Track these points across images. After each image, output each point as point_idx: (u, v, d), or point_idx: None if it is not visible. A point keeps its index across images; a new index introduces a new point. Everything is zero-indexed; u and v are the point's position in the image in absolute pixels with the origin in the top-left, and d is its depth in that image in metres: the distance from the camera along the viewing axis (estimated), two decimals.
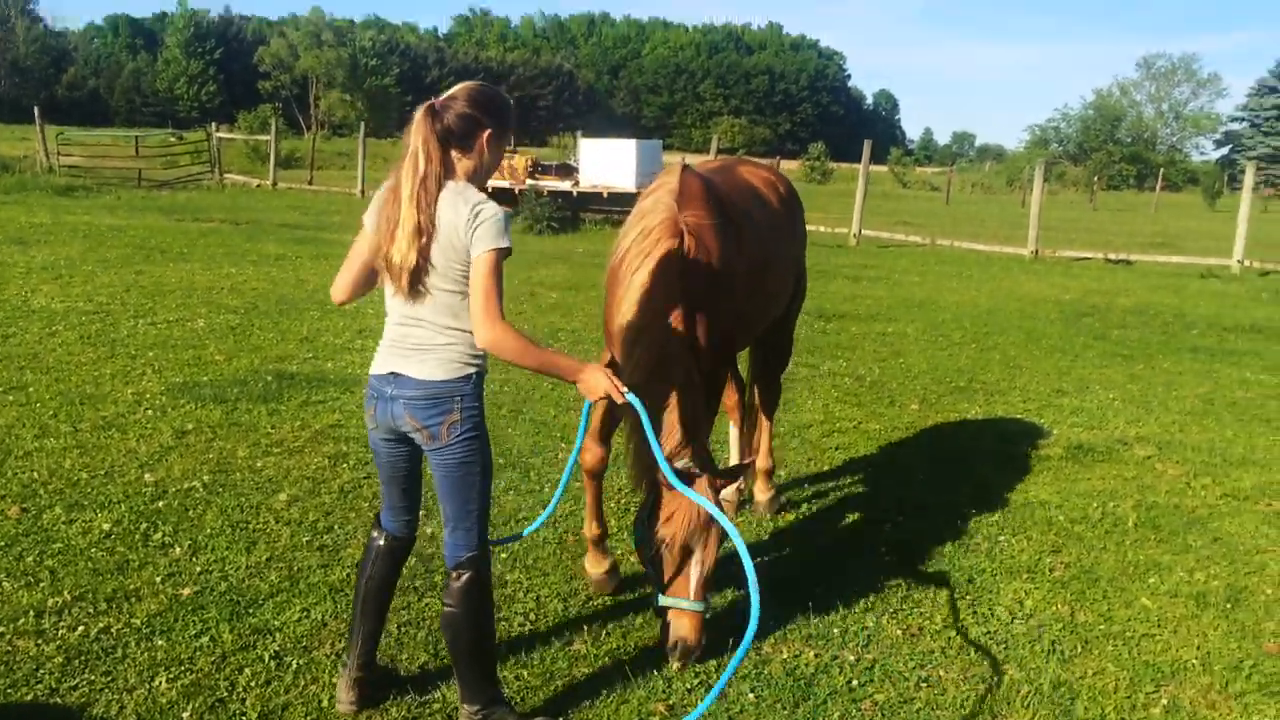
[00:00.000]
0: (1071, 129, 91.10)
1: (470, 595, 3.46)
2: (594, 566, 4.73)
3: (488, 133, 3.32)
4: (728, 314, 4.54)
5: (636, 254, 4.23)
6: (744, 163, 5.63)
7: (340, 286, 3.67)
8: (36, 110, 32.65)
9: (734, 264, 4.51)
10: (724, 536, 3.93)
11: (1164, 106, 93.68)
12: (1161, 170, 63.90)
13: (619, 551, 5.11)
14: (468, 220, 3.21)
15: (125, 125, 74.55)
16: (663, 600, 4.00)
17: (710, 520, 3.88)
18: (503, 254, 3.22)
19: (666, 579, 3.99)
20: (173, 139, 39.11)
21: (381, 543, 3.66)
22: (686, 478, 3.88)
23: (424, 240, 3.22)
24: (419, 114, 3.28)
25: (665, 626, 4.05)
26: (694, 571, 3.95)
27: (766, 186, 5.38)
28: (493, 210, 3.23)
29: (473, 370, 3.36)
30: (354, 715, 3.64)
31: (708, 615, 4.07)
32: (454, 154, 3.30)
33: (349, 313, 11.02)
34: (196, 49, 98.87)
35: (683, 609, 3.97)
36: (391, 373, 3.43)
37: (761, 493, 5.79)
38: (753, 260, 4.77)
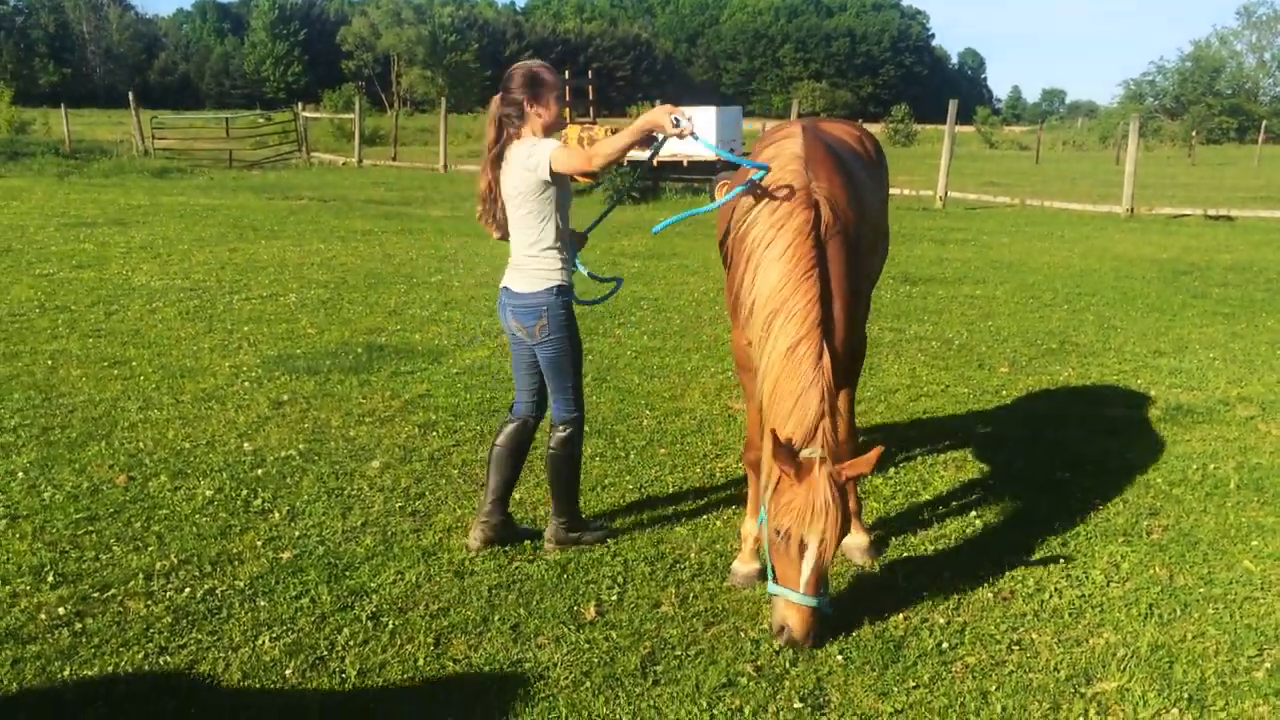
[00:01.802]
0: (1168, 82, 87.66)
1: (567, 444, 4.62)
2: (745, 564, 4.52)
3: (531, 104, 4.34)
4: (858, 279, 4.42)
5: (769, 225, 4.11)
6: (829, 121, 5.50)
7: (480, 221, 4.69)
8: (131, 96, 33.68)
9: (862, 227, 4.43)
10: (843, 534, 3.84)
11: (1266, 56, 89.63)
12: (1264, 122, 61.30)
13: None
14: (527, 157, 4.27)
15: (215, 108, 76.44)
16: (772, 588, 3.91)
17: (829, 513, 3.74)
18: (557, 145, 4.26)
19: (778, 566, 3.88)
20: (261, 120, 39.98)
21: (511, 423, 4.76)
22: (795, 455, 3.79)
23: (485, 194, 4.49)
24: (492, 104, 4.42)
25: (773, 608, 3.94)
26: (806, 565, 3.79)
27: (857, 144, 5.27)
28: (542, 143, 4.28)
29: (554, 284, 4.40)
30: (479, 549, 4.68)
31: (824, 610, 3.92)
32: (518, 123, 4.37)
33: (435, 285, 11.20)
34: (281, 31, 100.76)
35: (791, 600, 3.84)
36: (505, 287, 4.54)
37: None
38: (870, 221, 4.68)
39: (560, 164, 4.23)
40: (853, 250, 4.28)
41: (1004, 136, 67.40)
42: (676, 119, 4.14)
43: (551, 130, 4.40)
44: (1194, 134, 57.09)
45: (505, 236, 4.56)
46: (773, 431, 3.79)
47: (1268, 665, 3.90)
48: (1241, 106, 78.64)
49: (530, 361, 4.64)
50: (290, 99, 61.68)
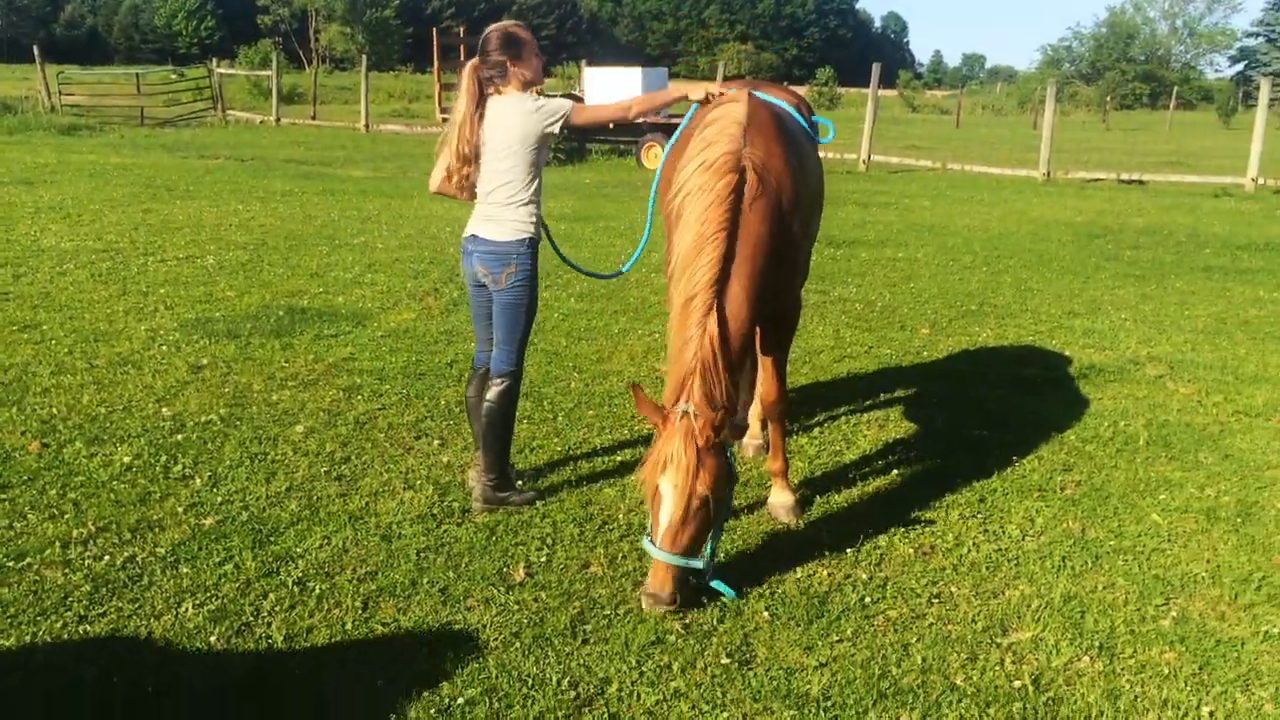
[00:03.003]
0: (1084, 48, 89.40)
1: (503, 396, 4.69)
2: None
3: (513, 63, 4.48)
4: (786, 244, 4.43)
5: (696, 188, 4.14)
6: (764, 84, 5.49)
7: (432, 181, 4.78)
8: (36, 50, 32.34)
9: (800, 194, 4.46)
10: (697, 491, 3.80)
11: (1178, 23, 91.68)
12: (1175, 88, 62.94)
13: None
14: (533, 111, 4.45)
15: (125, 63, 73.93)
16: (643, 542, 4.02)
17: (678, 464, 3.77)
18: (575, 99, 4.37)
19: (651, 522, 3.94)
20: (174, 76, 38.76)
21: (476, 374, 4.89)
22: (668, 418, 3.88)
23: (467, 155, 4.53)
24: (467, 69, 4.51)
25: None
26: (661, 518, 3.84)
27: (797, 110, 5.28)
28: (551, 99, 4.55)
29: (526, 235, 4.54)
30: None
31: (686, 573, 3.91)
32: (499, 82, 4.51)
33: (358, 247, 11.03)
34: None
35: (652, 555, 3.90)
36: (472, 234, 4.64)
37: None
38: (811, 188, 4.71)
39: (587, 117, 4.63)
40: (781, 215, 4.29)
41: (926, 101, 68.15)
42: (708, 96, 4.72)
43: (530, 86, 4.56)
44: (1108, 100, 58.39)
45: (474, 197, 4.67)
46: (632, 385, 4.01)
47: (1174, 614, 4.07)
48: (1154, 73, 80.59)
49: (489, 311, 4.73)
50: (204, 55, 59.71)
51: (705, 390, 3.89)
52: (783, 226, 4.33)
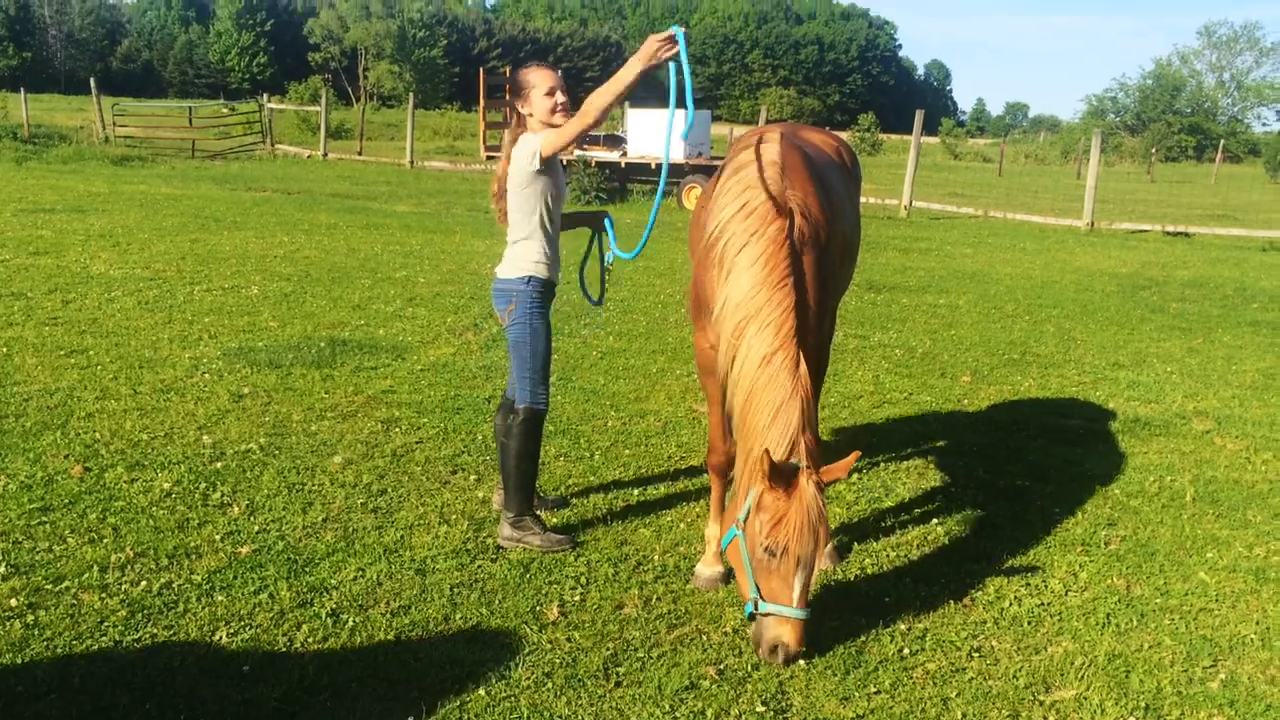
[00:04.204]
0: (1129, 99, 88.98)
1: (522, 429, 4.73)
2: (708, 567, 4.52)
3: (521, 104, 4.61)
4: (830, 289, 4.41)
5: (742, 232, 4.03)
6: (806, 127, 5.49)
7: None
8: (92, 82, 33.20)
9: (834, 238, 4.39)
10: (829, 542, 3.79)
11: (1225, 76, 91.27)
12: (1222, 141, 62.41)
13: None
14: (520, 150, 4.56)
15: (179, 97, 75.54)
16: (765, 607, 3.75)
17: (822, 525, 3.71)
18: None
19: (766, 585, 3.76)
20: (225, 110, 39.48)
21: (504, 406, 5.01)
22: (789, 473, 3.73)
23: (494, 191, 4.75)
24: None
25: (759, 630, 3.81)
26: (798, 580, 3.71)
27: (835, 153, 5.26)
28: (531, 137, 4.52)
29: (527, 274, 4.64)
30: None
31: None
32: (524, 124, 4.64)
33: (400, 281, 11.12)
34: (247, 21, 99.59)
35: (785, 616, 3.74)
36: (495, 273, 4.77)
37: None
38: (843, 232, 4.65)
39: (552, 143, 4.47)
40: (824, 262, 4.27)
41: (968, 148, 68.01)
42: (675, 37, 4.20)
43: (544, 120, 4.57)
44: (1153, 151, 57.98)
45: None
46: (766, 452, 3.67)
47: (1222, 676, 3.96)
48: (1200, 125, 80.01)
49: None
50: (255, 90, 60.92)
51: (811, 445, 3.82)
52: (826, 272, 4.31)
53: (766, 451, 3.69)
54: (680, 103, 4.35)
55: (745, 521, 3.81)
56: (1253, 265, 16.23)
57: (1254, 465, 6.41)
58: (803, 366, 3.89)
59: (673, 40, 4.21)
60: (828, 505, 4.73)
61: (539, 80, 4.59)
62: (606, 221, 5.19)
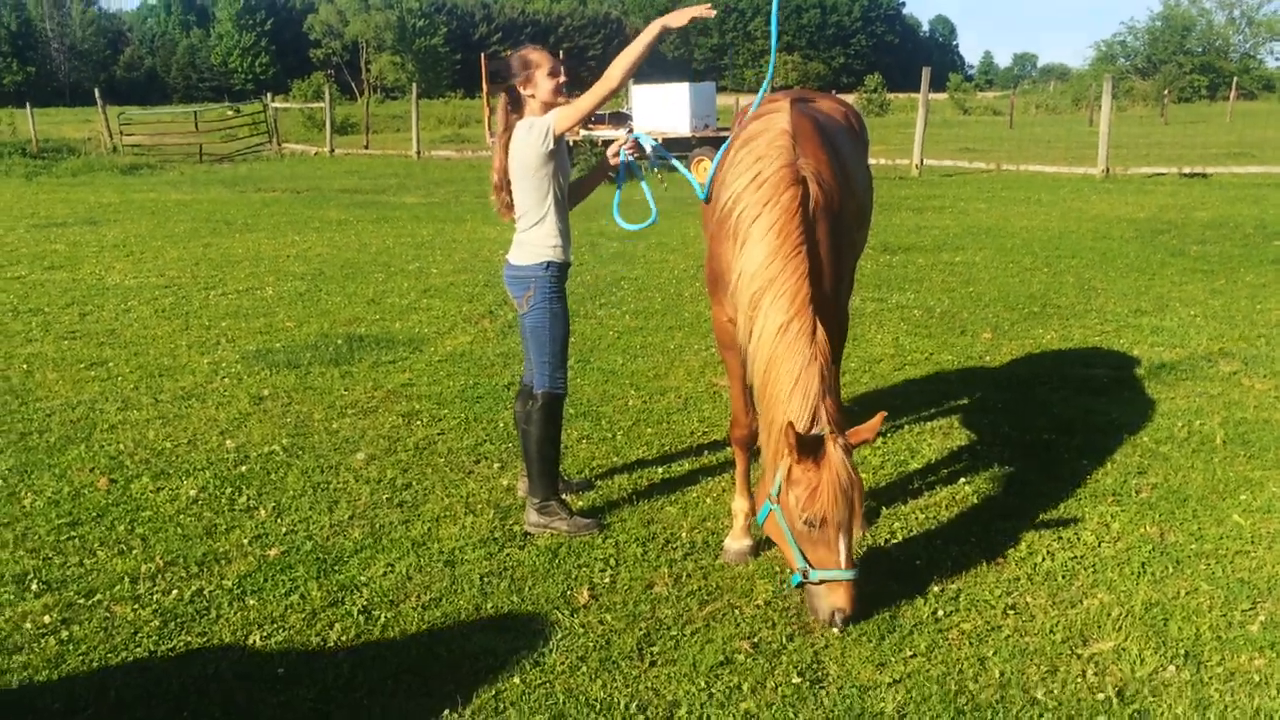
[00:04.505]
0: (1139, 43, 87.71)
1: (542, 415, 4.71)
2: (736, 541, 4.50)
3: (524, 86, 4.54)
4: (845, 255, 4.38)
5: (755, 203, 4.01)
6: (812, 94, 5.43)
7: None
8: (97, 92, 33.28)
9: (847, 204, 4.36)
10: (864, 502, 3.78)
11: (1235, 12, 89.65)
12: (1235, 79, 61.49)
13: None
14: (527, 134, 4.47)
15: (183, 101, 75.65)
16: (815, 575, 3.73)
17: (856, 487, 3.69)
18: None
19: (813, 553, 3.75)
20: (230, 112, 39.54)
21: (522, 392, 4.97)
22: (816, 443, 3.69)
23: (498, 179, 4.66)
24: (501, 97, 4.63)
25: (813, 599, 3.80)
26: (843, 543, 3.71)
27: (843, 119, 5.20)
28: (540, 118, 4.48)
29: (544, 260, 4.59)
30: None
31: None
32: (521, 108, 4.58)
33: (413, 273, 11.12)
34: (247, 21, 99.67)
35: (839, 580, 3.72)
36: (507, 260, 4.74)
37: None
38: (857, 197, 4.61)
39: (568, 117, 4.42)
40: (838, 228, 4.23)
41: (977, 102, 67.37)
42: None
43: (550, 107, 4.54)
44: (1166, 93, 57.22)
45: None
46: (790, 425, 3.64)
47: (1261, 619, 3.91)
48: (1212, 64, 78.83)
49: None
50: (259, 90, 60.96)
51: (834, 411, 3.80)
52: (841, 238, 4.27)
53: (790, 425, 3.65)
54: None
55: (778, 495, 3.80)
56: (1273, 202, 16.00)
57: None
58: (820, 333, 3.85)
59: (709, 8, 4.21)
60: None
61: (542, 60, 4.55)
62: (636, 137, 4.97)
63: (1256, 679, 3.53)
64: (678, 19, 4.26)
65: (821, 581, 3.75)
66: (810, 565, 3.77)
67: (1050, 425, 6.04)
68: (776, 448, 3.80)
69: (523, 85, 4.54)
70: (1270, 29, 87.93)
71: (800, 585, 3.86)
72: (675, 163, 5.12)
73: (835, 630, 3.79)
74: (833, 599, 3.73)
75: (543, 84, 4.52)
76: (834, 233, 4.18)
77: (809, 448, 3.68)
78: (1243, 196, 16.77)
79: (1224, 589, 4.14)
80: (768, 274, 3.91)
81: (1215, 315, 8.61)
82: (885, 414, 3.98)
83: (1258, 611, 3.97)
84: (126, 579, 4.34)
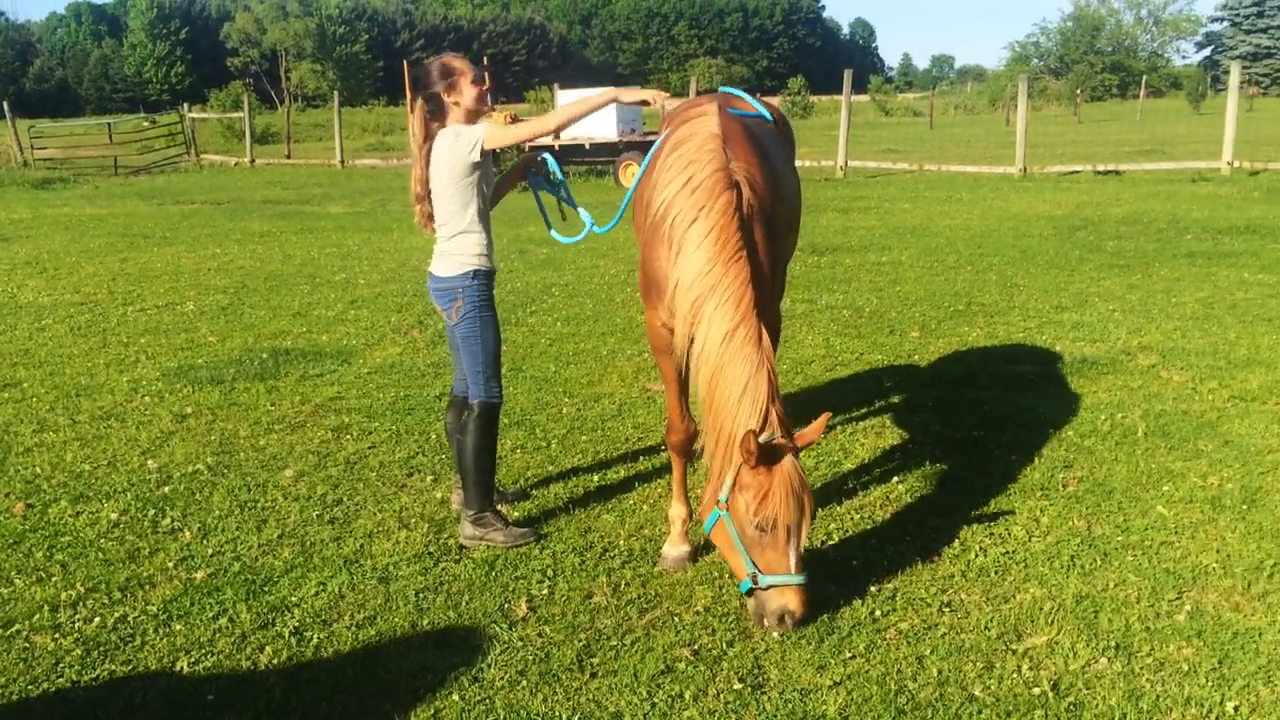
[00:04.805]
0: (1051, 43, 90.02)
1: (479, 425, 4.64)
2: (674, 547, 4.47)
3: (447, 94, 4.50)
4: (779, 259, 4.39)
5: (690, 208, 3.97)
6: (733, 97, 5.41)
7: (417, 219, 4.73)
8: (5, 105, 32.24)
9: (779, 207, 4.36)
10: (814, 506, 3.86)
11: (1143, 12, 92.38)
12: (1144, 77, 63.37)
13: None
14: (453, 142, 4.42)
15: (97, 113, 73.78)
16: (765, 580, 3.76)
17: (806, 492, 3.74)
18: (486, 128, 4.42)
19: (762, 558, 3.77)
20: (146, 123, 38.66)
21: (453, 403, 4.96)
22: (776, 449, 3.72)
23: (420, 189, 4.58)
24: (416, 107, 4.56)
25: (761, 603, 3.81)
26: (793, 547, 3.75)
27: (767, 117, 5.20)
28: (468, 127, 4.46)
29: (470, 269, 4.54)
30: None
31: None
32: (441, 115, 4.52)
33: (340, 284, 10.95)
34: (161, 30, 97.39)
35: (789, 584, 3.76)
36: (430, 272, 4.69)
37: None
38: (786, 201, 4.61)
39: (498, 139, 4.41)
40: (772, 232, 4.24)
41: (898, 104, 68.47)
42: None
43: (475, 114, 4.55)
44: (1079, 92, 58.74)
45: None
46: (750, 433, 3.64)
47: (1188, 608, 4.00)
48: (1122, 63, 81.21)
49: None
50: (175, 100, 59.70)
51: (782, 415, 3.81)
52: (774, 240, 4.28)
53: (751, 432, 3.66)
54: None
55: (727, 501, 3.80)
56: (1184, 198, 16.49)
57: (1201, 395, 6.50)
58: (765, 339, 3.87)
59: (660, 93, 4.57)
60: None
61: (465, 68, 4.54)
62: (545, 157, 4.98)
63: (1185, 668, 3.61)
64: (629, 95, 4.57)
65: (770, 587, 3.76)
66: (759, 570, 3.77)
67: (979, 422, 6.13)
68: (726, 454, 3.80)
69: (446, 93, 4.49)
70: (1176, 28, 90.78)
71: (750, 592, 3.86)
72: (572, 202, 5.17)
73: (781, 632, 3.80)
74: (783, 600, 3.76)
75: (467, 91, 4.49)
76: (769, 236, 4.18)
77: (768, 455, 3.69)
78: (1155, 193, 17.25)
79: (1151, 580, 4.23)
80: (708, 280, 3.89)
81: (1133, 309, 8.83)
82: (830, 415, 4.01)
83: (1184, 601, 4.06)
84: (46, 607, 4.19)
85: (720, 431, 3.82)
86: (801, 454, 5.13)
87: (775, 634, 3.83)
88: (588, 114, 4.53)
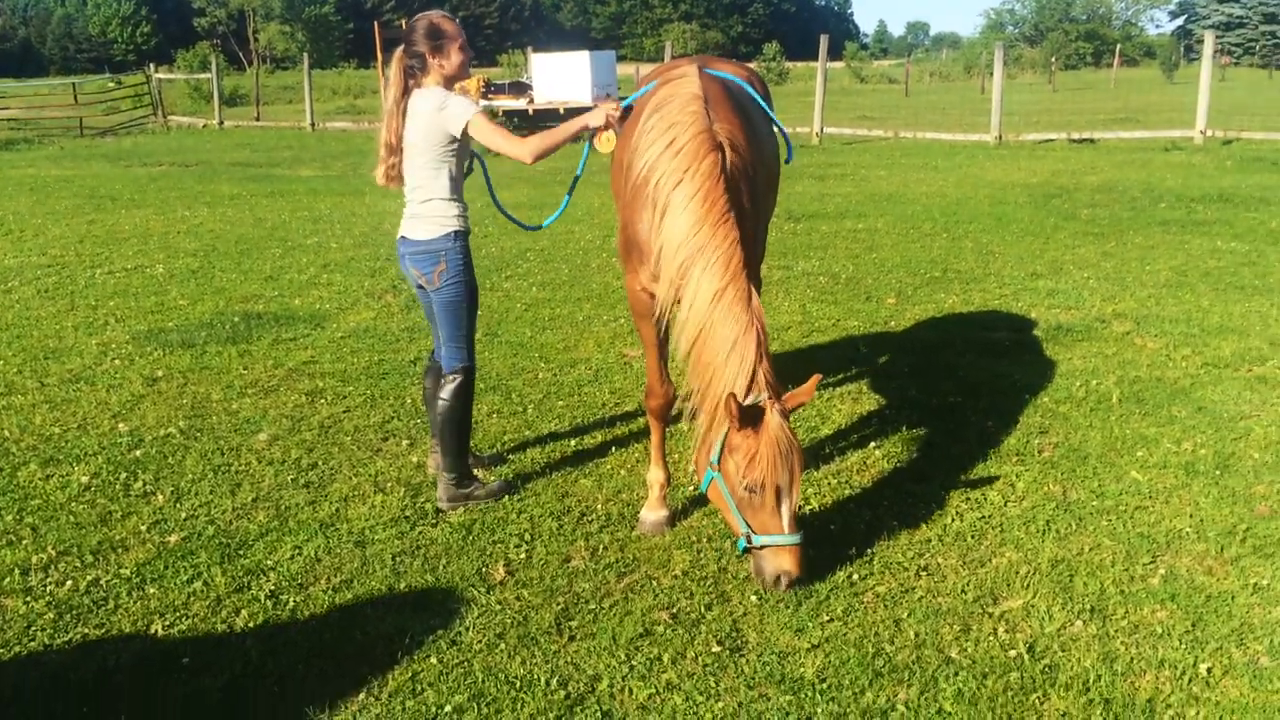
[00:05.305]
0: (1026, 10, 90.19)
1: (457, 393, 4.63)
2: (652, 512, 4.47)
3: (433, 55, 4.37)
4: (758, 221, 4.37)
5: (674, 170, 3.94)
6: (715, 59, 5.37)
7: (378, 175, 4.58)
8: None
9: (759, 169, 4.33)
10: (806, 465, 3.82)
11: None
12: (1118, 46, 63.51)
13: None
14: (437, 109, 4.31)
15: (61, 74, 72.48)
16: (759, 540, 3.77)
17: (795, 451, 3.72)
18: (480, 112, 4.31)
19: (755, 519, 3.77)
20: (111, 84, 38.03)
21: (431, 368, 4.90)
22: (757, 413, 3.70)
23: (393, 145, 4.45)
24: (394, 58, 4.41)
25: (759, 563, 3.82)
26: (785, 507, 3.73)
27: (746, 82, 5.16)
28: (452, 98, 4.34)
29: (450, 230, 4.46)
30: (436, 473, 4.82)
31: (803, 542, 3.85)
32: (420, 74, 4.41)
33: (312, 248, 10.83)
34: None
35: (783, 544, 3.76)
36: (401, 236, 4.58)
37: None
38: (766, 163, 4.58)
39: (485, 137, 4.33)
40: (755, 194, 4.22)
41: (873, 71, 68.33)
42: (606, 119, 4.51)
43: (454, 80, 4.46)
44: (1053, 60, 58.77)
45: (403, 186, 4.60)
46: (731, 396, 3.63)
47: (1162, 572, 4.04)
48: (1096, 31, 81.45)
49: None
50: (141, 61, 58.50)
51: (770, 376, 3.79)
52: (756, 205, 4.25)
53: (732, 395, 3.64)
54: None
55: (719, 463, 3.80)
56: (1157, 166, 16.56)
57: (1174, 362, 6.54)
58: (755, 299, 3.84)
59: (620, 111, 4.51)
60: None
61: (456, 32, 4.44)
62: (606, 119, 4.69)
63: (1159, 630, 3.64)
64: (596, 119, 4.52)
65: (764, 547, 3.78)
66: (753, 531, 3.78)
67: (956, 388, 6.15)
68: (716, 415, 3.78)
69: (431, 54, 4.37)
70: None
71: (746, 551, 3.88)
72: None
73: (782, 590, 3.81)
74: (778, 562, 3.77)
75: (454, 56, 4.40)
76: (752, 198, 4.16)
77: (750, 417, 3.68)
78: (1129, 161, 17.32)
79: (1125, 544, 4.27)
80: (696, 241, 3.85)
81: (1107, 277, 8.87)
82: (820, 376, 3.99)
83: (1158, 565, 4.10)
84: (17, 570, 4.13)
85: (708, 392, 3.81)
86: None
87: (776, 593, 3.83)
88: (562, 144, 4.45)
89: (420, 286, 4.63)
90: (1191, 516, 4.50)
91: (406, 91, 4.42)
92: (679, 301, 3.93)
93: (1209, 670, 3.42)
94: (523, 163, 4.46)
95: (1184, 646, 3.55)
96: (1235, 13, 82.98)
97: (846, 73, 63.23)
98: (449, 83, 4.44)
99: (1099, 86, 48.15)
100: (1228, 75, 51.53)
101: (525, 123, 22.35)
